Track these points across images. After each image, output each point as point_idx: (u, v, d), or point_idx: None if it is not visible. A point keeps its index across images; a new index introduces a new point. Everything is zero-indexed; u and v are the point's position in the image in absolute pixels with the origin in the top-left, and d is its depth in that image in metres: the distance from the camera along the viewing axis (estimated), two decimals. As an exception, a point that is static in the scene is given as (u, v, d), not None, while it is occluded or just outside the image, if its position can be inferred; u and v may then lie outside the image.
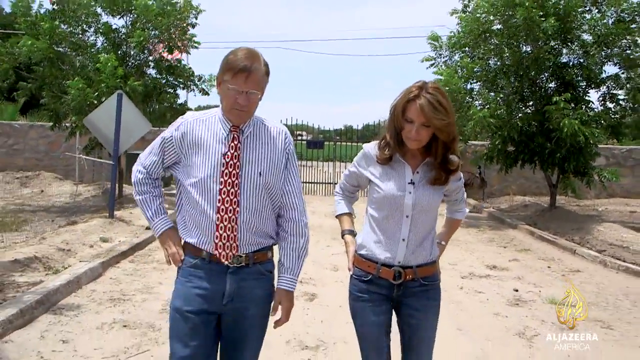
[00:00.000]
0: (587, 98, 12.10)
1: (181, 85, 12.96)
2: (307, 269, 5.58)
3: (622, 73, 11.95)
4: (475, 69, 12.13)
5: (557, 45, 12.03)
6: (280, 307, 2.37)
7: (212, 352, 2.33)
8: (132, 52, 12.21)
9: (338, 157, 18.34)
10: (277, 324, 2.40)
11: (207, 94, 13.06)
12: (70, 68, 11.83)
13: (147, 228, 8.29)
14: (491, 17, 11.87)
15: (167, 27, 11.90)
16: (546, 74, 12.18)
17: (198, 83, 12.94)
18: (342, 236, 2.68)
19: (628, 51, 11.64)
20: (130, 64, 12.20)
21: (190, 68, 13.04)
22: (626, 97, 12.09)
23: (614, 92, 12.18)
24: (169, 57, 12.78)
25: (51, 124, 12.88)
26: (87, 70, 11.54)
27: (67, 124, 12.68)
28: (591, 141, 10.88)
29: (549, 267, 7.83)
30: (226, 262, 2.26)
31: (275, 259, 2.43)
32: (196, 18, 12.62)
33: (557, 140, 11.15)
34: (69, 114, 11.93)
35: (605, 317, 5.50)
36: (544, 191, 15.28)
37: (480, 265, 7.72)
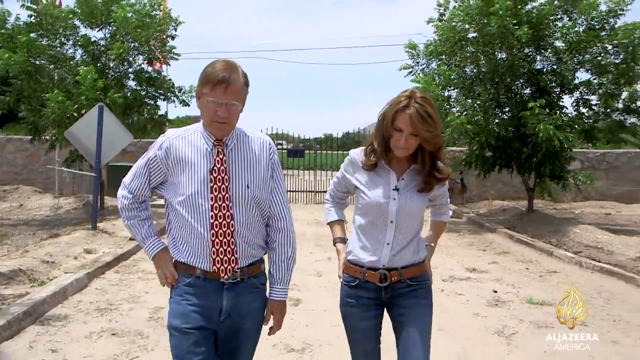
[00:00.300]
0: (561, 103, 12.37)
1: (161, 97, 13.02)
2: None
3: (594, 79, 12.24)
4: (452, 77, 12.33)
5: (531, 53, 12.32)
6: (272, 316, 2.42)
7: None
8: (111, 64, 12.24)
9: (319, 165, 18.49)
10: (272, 331, 2.45)
11: (187, 105, 13.12)
12: (49, 81, 11.82)
13: (131, 239, 8.31)
14: (466, 26, 12.13)
15: (146, 39, 11.95)
16: (521, 81, 12.45)
17: (178, 94, 13.00)
18: (334, 244, 2.71)
19: (599, 58, 11.95)
20: (110, 76, 12.20)
21: (170, 79, 13.12)
22: (598, 102, 12.42)
23: (587, 97, 12.47)
24: (149, 68, 12.82)
25: (30, 137, 12.82)
26: (66, 83, 11.56)
27: (46, 137, 12.61)
28: (566, 145, 11.09)
29: (527, 268, 8.01)
30: (225, 277, 2.26)
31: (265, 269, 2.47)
32: (175, 30, 12.76)
33: (533, 145, 11.35)
34: (48, 127, 11.89)
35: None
36: (521, 195, 15.57)
37: (461, 268, 7.88)
